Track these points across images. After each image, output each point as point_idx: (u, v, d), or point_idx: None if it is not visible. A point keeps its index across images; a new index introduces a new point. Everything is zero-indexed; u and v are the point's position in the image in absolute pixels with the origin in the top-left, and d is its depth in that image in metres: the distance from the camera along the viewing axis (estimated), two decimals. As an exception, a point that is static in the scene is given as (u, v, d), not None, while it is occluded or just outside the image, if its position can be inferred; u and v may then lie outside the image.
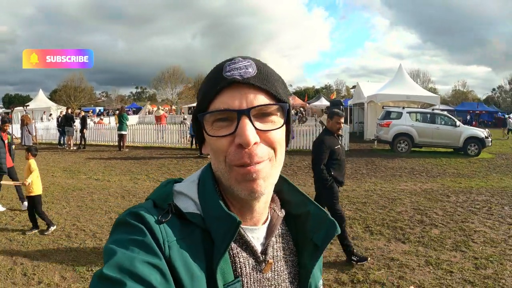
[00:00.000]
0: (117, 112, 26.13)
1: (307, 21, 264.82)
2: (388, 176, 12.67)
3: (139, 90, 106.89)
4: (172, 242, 0.81)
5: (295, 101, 51.36)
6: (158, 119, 25.81)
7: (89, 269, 5.43)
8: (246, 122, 0.83)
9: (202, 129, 0.90)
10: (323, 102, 48.31)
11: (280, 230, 1.02)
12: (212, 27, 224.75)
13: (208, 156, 1.01)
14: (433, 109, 19.75)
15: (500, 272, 5.30)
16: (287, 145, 0.96)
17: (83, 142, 21.32)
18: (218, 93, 0.86)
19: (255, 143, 0.84)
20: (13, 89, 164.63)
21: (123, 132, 19.91)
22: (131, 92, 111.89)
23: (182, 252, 0.81)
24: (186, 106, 60.48)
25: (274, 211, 1.01)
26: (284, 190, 1.06)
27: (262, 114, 0.87)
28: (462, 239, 6.56)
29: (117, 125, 20.46)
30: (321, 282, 1.08)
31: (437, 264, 5.55)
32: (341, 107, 22.10)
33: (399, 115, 18.34)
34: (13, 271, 5.42)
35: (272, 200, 1.01)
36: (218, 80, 0.87)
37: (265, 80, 0.88)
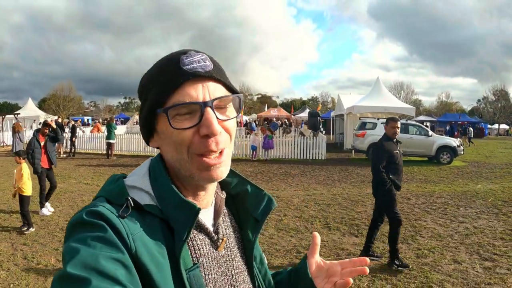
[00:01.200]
0: (106, 122, 26.88)
1: (295, 33, 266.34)
2: (357, 182, 13.59)
3: (127, 100, 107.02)
4: (135, 235, 0.82)
5: (280, 112, 52.22)
6: None
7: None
8: (210, 113, 0.87)
9: (157, 124, 0.93)
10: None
11: (224, 210, 1.08)
12: (200, 38, 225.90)
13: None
14: (407, 120, 20.74)
15: (438, 260, 6.13)
16: None
17: (72, 150, 22.05)
18: (179, 86, 0.88)
19: (219, 132, 0.88)
20: (1, 96, 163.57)
21: (111, 141, 20.78)
22: (119, 102, 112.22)
23: (146, 243, 0.83)
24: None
25: (217, 193, 1.06)
26: None
27: (220, 105, 0.91)
28: (410, 234, 7.42)
29: (105, 134, 21.32)
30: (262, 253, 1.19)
31: (381, 253, 6.39)
32: (318, 118, 23.06)
33: (374, 126, 19.27)
34: (14, 255, 6.27)
35: None
36: (178, 73, 0.88)
37: (220, 72, 0.94)
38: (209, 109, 0.87)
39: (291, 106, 71.89)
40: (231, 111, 0.95)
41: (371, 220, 6.41)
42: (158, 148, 0.98)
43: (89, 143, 24.06)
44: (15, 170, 7.75)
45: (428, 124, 54.16)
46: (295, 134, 23.91)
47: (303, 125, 34.00)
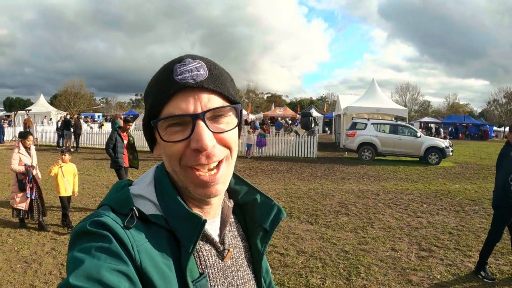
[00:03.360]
0: (111, 118, 27.94)
1: (306, 32, 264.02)
2: (337, 179, 14.29)
3: (138, 97, 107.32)
4: (141, 246, 0.82)
5: (286, 111, 52.60)
6: None
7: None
8: (201, 126, 0.84)
9: (155, 133, 0.91)
10: (314, 113, 49.65)
11: (230, 219, 1.07)
12: (211, 36, 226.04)
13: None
14: (396, 121, 21.30)
15: (376, 247, 6.79)
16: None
17: (74, 145, 23.10)
18: (170, 98, 0.86)
19: (212, 146, 0.86)
20: (13, 92, 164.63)
21: (114, 137, 21.56)
22: (131, 99, 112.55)
23: (151, 254, 0.82)
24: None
25: (224, 202, 1.05)
26: (231, 181, 1.09)
27: (216, 116, 0.88)
28: (362, 225, 8.13)
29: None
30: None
31: (327, 239, 7.15)
32: (310, 118, 23.78)
33: (364, 126, 19.89)
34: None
35: None
36: (169, 84, 0.86)
37: (216, 81, 0.89)
38: (200, 122, 0.85)
39: (298, 105, 72.66)
40: (229, 121, 0.92)
41: (488, 234, 6.01)
42: (160, 156, 0.96)
43: (95, 138, 25.09)
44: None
45: (433, 125, 54.43)
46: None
47: (298, 124, 34.61)
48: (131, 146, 9.05)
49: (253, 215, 1.08)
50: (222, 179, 0.90)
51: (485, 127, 56.42)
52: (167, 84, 0.87)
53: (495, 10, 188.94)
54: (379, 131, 19.88)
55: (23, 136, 7.72)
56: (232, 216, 1.08)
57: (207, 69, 0.89)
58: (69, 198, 7.71)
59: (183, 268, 0.85)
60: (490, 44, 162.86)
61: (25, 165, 7.35)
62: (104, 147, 22.75)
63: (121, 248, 0.79)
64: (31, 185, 7.40)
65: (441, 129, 47.36)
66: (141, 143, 22.96)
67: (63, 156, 7.64)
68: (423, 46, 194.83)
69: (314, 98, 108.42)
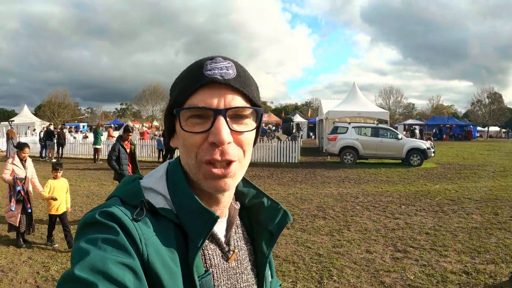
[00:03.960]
0: (93, 128, 27.95)
1: (291, 38, 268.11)
2: (318, 183, 14.27)
3: (124, 106, 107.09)
4: (148, 239, 0.82)
5: (270, 117, 52.82)
6: (142, 134, 28.37)
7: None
8: (221, 121, 0.86)
9: (175, 123, 0.93)
10: (298, 119, 50.22)
11: (236, 221, 1.07)
12: (196, 43, 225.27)
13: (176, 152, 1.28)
14: (377, 124, 21.61)
15: (351, 250, 6.78)
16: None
17: (58, 155, 23.03)
18: (197, 90, 0.88)
19: (228, 143, 0.87)
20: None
21: (97, 146, 21.91)
22: (116, 109, 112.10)
23: (159, 247, 0.83)
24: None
25: (231, 203, 1.05)
26: (239, 184, 1.10)
27: (237, 115, 0.90)
28: (339, 228, 8.12)
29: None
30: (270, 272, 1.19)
31: (302, 243, 7.11)
32: (292, 123, 23.87)
33: (346, 130, 20.00)
34: None
35: None
36: (198, 77, 0.89)
37: (243, 83, 0.91)
38: (221, 118, 0.86)
39: (282, 111, 72.16)
40: (249, 123, 0.93)
41: None
42: (177, 148, 0.99)
43: (78, 149, 25.05)
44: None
45: (417, 127, 54.92)
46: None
47: (280, 130, 34.83)
48: (132, 156, 8.77)
49: (259, 218, 1.09)
50: (233, 174, 0.90)
51: (468, 127, 57.37)
52: (196, 77, 0.89)
53: (477, 13, 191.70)
54: (361, 135, 20.01)
55: (19, 147, 7.55)
56: (238, 219, 1.08)
57: (236, 70, 0.91)
58: (63, 215, 7.16)
59: (190, 263, 0.86)
60: (473, 46, 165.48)
61: (14, 177, 7.11)
62: (87, 156, 23.34)
63: (128, 240, 0.79)
64: (17, 197, 7.10)
65: (417, 131, 47.65)
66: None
67: (57, 173, 7.32)
68: (407, 49, 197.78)
69: (299, 104, 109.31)
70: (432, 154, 19.87)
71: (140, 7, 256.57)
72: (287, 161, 20.90)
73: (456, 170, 18.07)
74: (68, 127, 42.95)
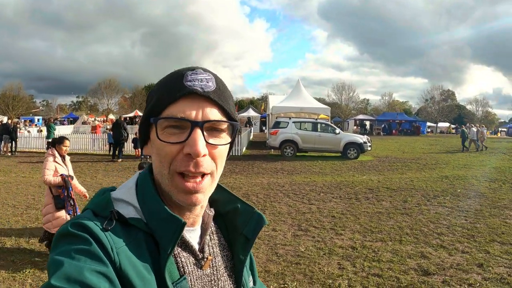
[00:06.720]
0: (45, 122, 28.32)
1: (249, 31, 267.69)
2: (252, 173, 15.24)
3: (80, 99, 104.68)
4: (120, 248, 0.82)
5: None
6: (94, 128, 28.88)
7: (7, 221, 8.23)
8: (198, 133, 0.86)
9: (151, 131, 0.94)
10: (251, 113, 51.39)
11: (212, 228, 1.07)
12: (152, 35, 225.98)
13: (148, 159, 1.38)
14: (316, 119, 22.78)
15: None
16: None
17: (13, 149, 23.20)
18: (176, 100, 0.88)
19: (203, 155, 0.88)
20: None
21: (50, 140, 21.99)
22: (72, 101, 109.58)
23: (130, 256, 0.83)
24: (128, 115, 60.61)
25: (205, 211, 1.05)
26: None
27: (213, 129, 0.91)
28: (254, 211, 9.17)
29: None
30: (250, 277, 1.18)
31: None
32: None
33: (287, 124, 21.07)
34: None
35: None
36: (178, 87, 0.89)
37: (222, 96, 0.92)
38: (198, 130, 0.87)
39: (236, 106, 70.61)
40: (224, 137, 0.94)
41: None
42: (149, 156, 0.98)
43: (32, 143, 25.27)
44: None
45: (367, 122, 56.78)
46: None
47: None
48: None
49: (235, 224, 1.08)
50: (204, 190, 0.91)
51: (417, 123, 59.35)
52: (176, 86, 0.90)
53: (433, 12, 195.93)
54: (301, 129, 21.06)
55: (59, 141, 6.37)
56: (213, 225, 1.09)
57: (216, 82, 0.93)
58: None
59: (162, 268, 0.86)
60: (428, 44, 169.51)
61: (61, 175, 6.10)
62: (40, 150, 23.55)
63: (100, 250, 0.80)
64: (71, 201, 6.13)
65: (367, 126, 49.03)
66: (75, 146, 23.36)
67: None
68: (363, 45, 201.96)
69: (255, 98, 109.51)
70: (369, 148, 21.16)
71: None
72: (232, 154, 21.31)
73: (390, 163, 19.22)
74: (22, 120, 42.67)
